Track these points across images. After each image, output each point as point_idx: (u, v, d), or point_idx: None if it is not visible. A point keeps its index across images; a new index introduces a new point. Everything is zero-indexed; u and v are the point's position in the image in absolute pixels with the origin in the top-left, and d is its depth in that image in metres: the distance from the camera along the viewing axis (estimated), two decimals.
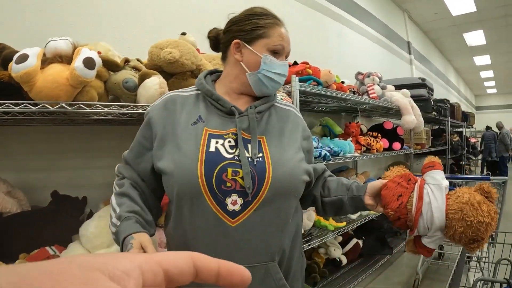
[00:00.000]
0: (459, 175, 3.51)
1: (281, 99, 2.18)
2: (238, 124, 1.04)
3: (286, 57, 1.17)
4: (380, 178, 3.50)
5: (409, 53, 7.40)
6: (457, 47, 10.84)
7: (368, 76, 3.54)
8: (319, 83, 2.49)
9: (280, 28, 1.13)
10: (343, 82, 3.28)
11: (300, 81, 2.36)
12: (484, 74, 15.46)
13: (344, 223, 2.76)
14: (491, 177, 3.00)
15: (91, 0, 2.08)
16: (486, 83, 18.23)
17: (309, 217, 2.62)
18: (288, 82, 2.19)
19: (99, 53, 1.62)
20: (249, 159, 1.01)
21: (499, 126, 10.14)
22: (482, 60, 12.67)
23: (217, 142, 1.02)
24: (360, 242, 3.54)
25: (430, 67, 9.29)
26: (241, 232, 0.98)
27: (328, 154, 2.28)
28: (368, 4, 5.41)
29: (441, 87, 10.71)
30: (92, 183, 1.99)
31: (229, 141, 1.03)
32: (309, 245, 2.50)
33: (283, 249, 1.06)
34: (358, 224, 2.99)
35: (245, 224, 0.98)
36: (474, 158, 11.06)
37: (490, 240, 2.96)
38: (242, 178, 0.98)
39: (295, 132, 1.14)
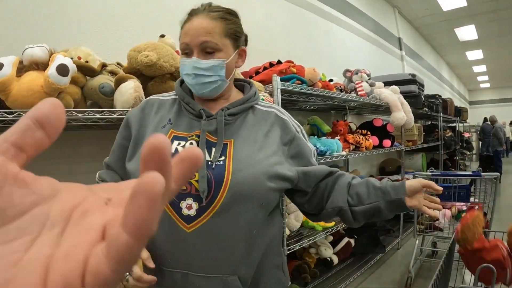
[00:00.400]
0: (449, 172, 3.48)
1: (262, 99, 2.16)
2: (203, 127, 1.00)
3: (207, 51, 1.00)
4: (372, 176, 3.50)
5: (400, 49, 7.38)
6: (449, 42, 10.83)
7: (356, 73, 3.52)
8: (303, 82, 2.46)
9: (187, 24, 1.01)
10: (331, 80, 3.26)
11: (283, 80, 2.34)
12: (477, 68, 15.48)
13: (333, 223, 2.73)
14: (482, 174, 2.98)
15: (72, 5, 2.04)
16: (479, 78, 18.26)
17: (297, 217, 2.60)
18: (269, 81, 2.17)
19: (79, 58, 1.62)
20: (209, 162, 0.97)
21: (493, 120, 10.06)
22: (475, 55, 12.68)
23: (178, 144, 0.99)
24: (352, 241, 3.52)
25: (422, 62, 9.28)
26: (197, 239, 0.93)
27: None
28: (357, 0, 5.39)
29: (434, 82, 10.71)
30: None
31: (191, 143, 1.00)
32: (300, 245, 2.49)
33: (249, 263, 0.99)
34: (338, 228, 2.96)
35: (201, 230, 0.93)
36: (468, 152, 11.07)
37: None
38: (198, 181, 0.93)
39: (272, 136, 1.05)
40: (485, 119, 11.33)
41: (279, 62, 2.60)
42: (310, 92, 2.44)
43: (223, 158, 0.98)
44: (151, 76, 1.79)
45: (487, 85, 20.59)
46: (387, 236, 4.32)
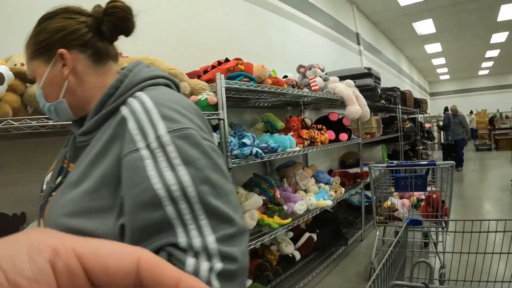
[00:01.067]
0: (404, 163, 3.53)
1: (206, 99, 2.13)
2: (60, 155, 0.91)
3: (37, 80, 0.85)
4: (331, 170, 3.51)
5: (358, 44, 7.48)
6: (408, 37, 11.08)
7: (310, 69, 3.53)
8: (251, 79, 2.44)
9: None
10: (285, 77, 3.26)
11: (229, 78, 2.31)
12: (436, 61, 15.91)
13: (289, 219, 2.72)
14: (437, 163, 3.04)
15: (17, 10, 1.95)
16: (439, 70, 18.79)
17: (252, 216, 2.57)
18: (213, 80, 2.13)
19: (22, 64, 1.56)
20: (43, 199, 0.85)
21: (455, 109, 10.09)
22: (433, 48, 13.01)
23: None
24: (314, 236, 3.54)
25: (381, 57, 9.46)
26: None
27: (260, 151, 2.22)
28: None
29: (393, 76, 10.94)
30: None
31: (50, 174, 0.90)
32: (260, 241, 2.47)
33: None
34: (305, 219, 2.96)
35: None
36: (430, 142, 11.38)
37: (442, 227, 3.02)
38: None
39: (102, 160, 0.72)
40: (446, 109, 11.50)
41: (227, 60, 2.57)
42: (257, 89, 2.42)
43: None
44: None
45: (447, 76, 21.24)
46: (350, 228, 4.37)
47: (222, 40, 3.35)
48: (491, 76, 21.05)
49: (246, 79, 2.41)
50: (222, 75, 2.15)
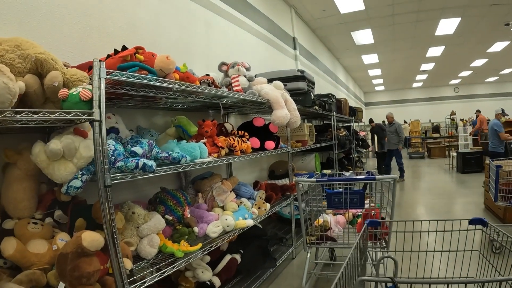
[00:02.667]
0: (338, 178, 3.16)
1: (78, 93, 1.62)
2: None
3: None
4: (257, 181, 3.05)
5: (295, 48, 7.22)
6: (346, 46, 11.08)
7: (233, 67, 3.09)
8: (150, 72, 1.95)
9: None
10: (207, 75, 2.79)
11: (120, 68, 1.81)
12: (372, 72, 16.23)
13: (199, 245, 2.25)
14: (377, 177, 2.68)
15: None
16: (375, 81, 19.29)
17: (151, 242, 2.08)
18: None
19: None
20: None
21: (390, 117, 9.82)
22: (370, 58, 13.18)
23: None
24: (237, 257, 3.07)
25: (317, 64, 9.30)
26: None
27: (150, 164, 1.73)
28: None
29: (329, 84, 10.87)
30: None
31: None
32: (167, 270, 2.00)
33: None
34: (219, 244, 2.49)
35: None
36: (364, 150, 11.43)
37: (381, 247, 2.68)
38: None
39: None
40: (370, 120, 11.63)
41: (124, 48, 2.06)
42: (152, 84, 1.92)
43: None
44: None
45: (382, 87, 21.95)
46: (280, 245, 3.98)
47: (131, 29, 2.84)
48: (424, 88, 22.13)
49: (143, 71, 1.92)
50: (103, 63, 1.63)
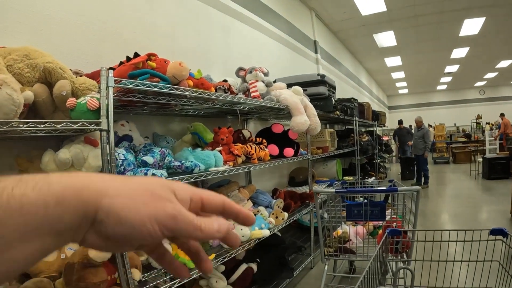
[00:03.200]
0: (358, 188, 3.05)
1: (86, 102, 1.58)
2: None
3: None
4: (276, 188, 2.96)
5: (316, 52, 7.11)
6: (368, 48, 10.88)
7: (251, 72, 3.02)
8: (162, 79, 1.89)
9: None
10: (225, 81, 2.74)
11: (131, 76, 1.76)
12: (395, 75, 15.94)
13: (211, 256, 2.19)
14: (399, 188, 2.55)
15: None
16: (398, 84, 18.94)
17: None
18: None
19: None
20: None
21: (419, 121, 9.36)
22: (393, 61, 12.94)
23: None
24: (254, 266, 3.00)
25: (339, 67, 9.15)
26: None
27: (159, 175, 1.68)
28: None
29: (352, 87, 10.70)
30: None
31: None
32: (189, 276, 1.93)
33: None
34: (233, 255, 2.42)
35: None
36: (388, 155, 11.18)
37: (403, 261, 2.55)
38: None
39: None
40: (400, 121, 11.06)
41: (136, 55, 2.02)
42: (164, 91, 1.86)
43: None
44: None
45: (406, 90, 21.53)
46: (298, 254, 3.88)
47: (148, 35, 2.81)
48: (449, 91, 21.56)
49: (155, 78, 1.87)
50: (111, 72, 1.59)
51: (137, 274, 1.79)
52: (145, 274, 1.99)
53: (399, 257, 2.56)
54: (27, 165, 1.75)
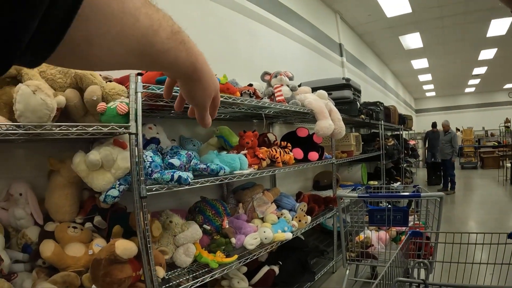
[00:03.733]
0: (381, 194, 3.03)
1: (116, 107, 1.64)
2: None
3: None
4: (300, 192, 2.97)
5: (341, 55, 7.07)
6: (394, 51, 10.73)
7: (276, 76, 3.05)
8: None
9: None
10: (250, 85, 2.78)
11: (158, 82, 1.81)
12: (422, 77, 15.65)
13: (234, 257, 2.22)
14: (422, 194, 2.53)
15: None
16: (425, 86, 18.58)
17: (187, 251, 2.07)
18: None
19: None
20: None
21: (446, 125, 9.20)
22: (420, 63, 12.71)
23: None
24: (276, 269, 3.01)
25: (365, 70, 9.07)
26: None
27: (186, 176, 1.72)
28: (292, 3, 4.99)
29: (378, 91, 10.57)
30: None
31: None
32: (200, 280, 2.00)
33: None
34: (256, 256, 2.45)
35: None
36: (414, 160, 10.97)
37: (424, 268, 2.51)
38: None
39: None
40: (434, 124, 10.57)
41: None
42: None
43: None
44: None
45: (433, 93, 21.09)
46: (320, 258, 3.87)
47: None
48: (477, 94, 20.95)
49: None
50: (139, 78, 1.65)
51: (161, 272, 1.84)
52: (169, 272, 2.04)
53: (422, 265, 2.53)
54: (59, 165, 1.83)
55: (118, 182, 1.74)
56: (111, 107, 1.63)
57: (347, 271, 2.75)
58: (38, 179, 1.92)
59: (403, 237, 2.87)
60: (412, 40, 9.79)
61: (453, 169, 8.90)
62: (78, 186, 1.91)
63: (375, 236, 3.00)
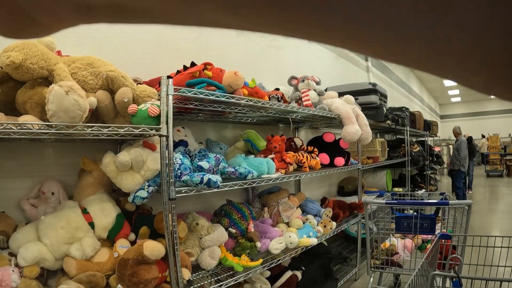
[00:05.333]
0: (408, 201, 2.97)
1: (147, 109, 1.65)
2: None
3: None
4: (325, 197, 2.94)
5: (366, 59, 6.98)
6: None
7: (303, 81, 3.02)
8: (218, 87, 1.94)
9: None
10: (277, 89, 2.77)
11: (189, 85, 1.83)
12: (448, 82, 15.37)
13: (259, 261, 2.21)
14: (450, 202, 2.47)
15: None
16: (450, 92, 18.24)
17: (212, 254, 2.07)
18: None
19: None
20: None
21: (456, 133, 8.84)
22: None
23: None
24: (298, 274, 2.98)
25: (390, 75, 8.94)
26: None
27: (215, 179, 1.71)
28: None
29: (403, 96, 10.41)
30: None
31: None
32: (232, 280, 2.04)
33: None
34: (280, 260, 2.43)
35: None
36: (439, 166, 10.74)
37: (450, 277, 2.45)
38: None
39: None
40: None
41: (193, 64, 2.09)
42: (220, 99, 1.91)
43: None
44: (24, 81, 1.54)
45: (458, 99, 20.69)
46: (343, 265, 3.82)
47: (195, 44, 2.88)
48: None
49: (211, 87, 1.92)
50: (170, 80, 1.67)
51: (186, 274, 1.85)
52: (193, 275, 2.05)
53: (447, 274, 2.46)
54: (92, 166, 1.85)
55: (147, 184, 1.75)
56: (142, 109, 1.64)
57: (371, 279, 2.71)
58: (66, 178, 1.95)
59: (429, 246, 2.82)
60: None
61: (460, 181, 8.38)
62: (107, 188, 1.93)
63: (401, 244, 2.95)
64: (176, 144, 2.17)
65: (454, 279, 1.68)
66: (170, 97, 1.66)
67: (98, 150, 1.90)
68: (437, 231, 2.64)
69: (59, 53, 1.75)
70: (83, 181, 1.88)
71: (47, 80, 1.56)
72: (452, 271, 2.44)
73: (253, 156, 2.43)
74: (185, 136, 2.29)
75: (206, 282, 2.01)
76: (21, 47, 1.45)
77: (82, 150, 1.99)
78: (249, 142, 2.70)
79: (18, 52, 1.42)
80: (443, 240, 2.46)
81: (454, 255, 2.06)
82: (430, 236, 2.78)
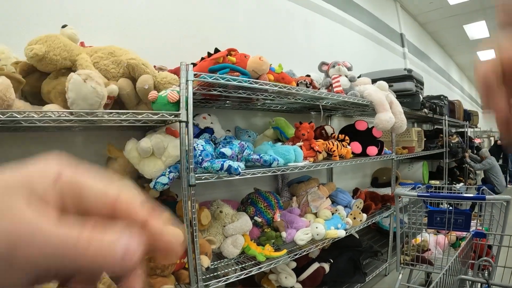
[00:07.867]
0: (442, 194, 2.81)
1: (166, 95, 1.62)
2: None
3: None
4: (357, 188, 2.84)
5: (403, 46, 6.72)
6: (458, 41, 10.07)
7: (334, 66, 2.91)
8: (242, 73, 1.88)
9: None
10: (308, 75, 2.68)
11: (211, 71, 1.78)
12: None
13: (283, 251, 2.15)
14: (487, 197, 2.30)
15: None
16: None
17: (235, 242, 2.04)
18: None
19: None
20: None
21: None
22: (487, 55, 11.90)
23: None
24: (326, 266, 2.89)
25: (428, 62, 8.59)
26: None
27: (236, 166, 1.66)
28: None
29: (442, 84, 10.01)
30: None
31: None
32: (258, 268, 2.02)
33: None
34: (305, 252, 2.35)
35: None
36: (479, 159, 10.30)
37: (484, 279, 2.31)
38: None
39: None
40: None
41: (216, 50, 2.05)
42: (245, 85, 1.86)
43: None
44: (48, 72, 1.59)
45: None
46: (373, 259, 3.70)
47: (223, 33, 2.85)
48: None
49: (235, 72, 1.86)
50: (190, 66, 1.65)
51: (206, 261, 1.84)
52: (215, 262, 2.04)
53: (480, 275, 2.31)
54: (117, 152, 1.85)
55: (169, 170, 1.74)
56: (162, 95, 1.64)
57: (400, 275, 2.59)
58: (94, 166, 1.95)
59: (463, 243, 2.66)
60: (478, 29, 9.10)
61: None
62: (133, 175, 1.93)
63: (433, 240, 2.80)
64: (202, 131, 2.15)
65: (482, 285, 1.59)
66: (190, 83, 1.64)
67: (126, 139, 1.90)
68: (472, 228, 2.49)
69: (82, 44, 1.79)
70: (109, 168, 1.89)
71: (71, 70, 1.59)
72: (486, 272, 2.31)
73: (281, 143, 2.36)
74: (211, 123, 2.25)
75: (230, 269, 2.00)
76: (44, 39, 1.50)
77: (110, 139, 2.01)
78: (278, 129, 2.64)
79: (41, 45, 1.47)
80: (477, 239, 2.32)
81: (485, 258, 1.91)
82: (465, 233, 2.62)
